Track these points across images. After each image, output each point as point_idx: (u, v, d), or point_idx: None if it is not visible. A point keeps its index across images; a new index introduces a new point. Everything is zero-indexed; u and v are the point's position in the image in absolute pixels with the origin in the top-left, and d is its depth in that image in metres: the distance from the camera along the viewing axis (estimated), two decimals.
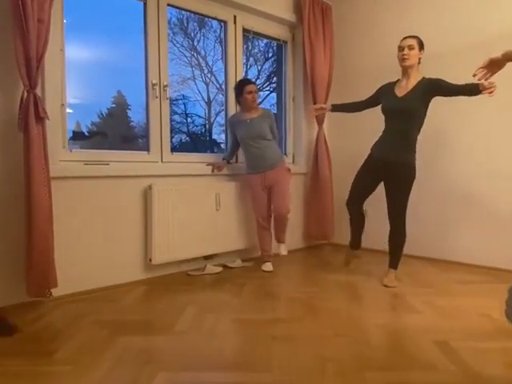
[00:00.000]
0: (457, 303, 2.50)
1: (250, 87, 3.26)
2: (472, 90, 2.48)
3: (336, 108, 3.24)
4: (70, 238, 2.67)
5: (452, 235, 3.51)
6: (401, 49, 2.76)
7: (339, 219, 4.06)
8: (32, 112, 2.32)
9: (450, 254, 3.51)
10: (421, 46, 2.76)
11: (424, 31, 3.53)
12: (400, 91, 2.79)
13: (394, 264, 2.94)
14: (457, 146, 3.47)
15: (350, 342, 1.95)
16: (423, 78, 2.75)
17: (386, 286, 2.86)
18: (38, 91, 2.41)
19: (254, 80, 3.78)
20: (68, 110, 2.80)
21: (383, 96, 2.90)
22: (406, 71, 2.79)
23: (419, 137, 2.82)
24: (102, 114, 3.45)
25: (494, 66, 1.87)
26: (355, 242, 3.22)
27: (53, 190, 2.47)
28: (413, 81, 2.76)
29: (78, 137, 3.15)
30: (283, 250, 3.49)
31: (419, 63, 2.79)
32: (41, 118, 2.37)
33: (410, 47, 2.71)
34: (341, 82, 4.19)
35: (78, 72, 2.95)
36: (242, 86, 3.29)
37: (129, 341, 1.98)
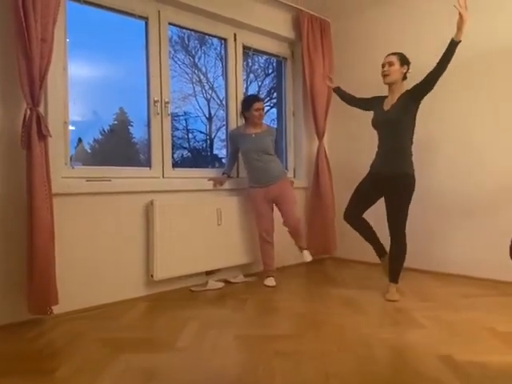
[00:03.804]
0: (460, 317, 2.47)
1: (258, 105, 3.32)
2: (448, 52, 2.56)
3: (337, 91, 3.37)
4: (72, 255, 2.67)
5: (452, 248, 3.49)
6: (382, 65, 2.87)
7: (341, 233, 4.05)
8: (35, 130, 2.34)
9: (450, 266, 3.49)
10: (403, 61, 2.83)
11: (421, 46, 3.59)
12: (386, 106, 2.90)
13: (394, 278, 2.92)
14: (445, 158, 3.51)
15: (353, 358, 1.92)
16: (406, 91, 2.84)
17: (388, 300, 2.84)
18: (41, 109, 2.44)
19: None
20: (70, 127, 2.83)
21: (375, 107, 2.99)
22: (390, 87, 2.90)
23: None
24: (104, 131, 3.48)
25: None
26: (378, 249, 3.08)
27: (55, 207, 2.48)
28: (397, 95, 2.85)
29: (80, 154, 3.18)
30: (307, 257, 3.44)
31: (405, 78, 2.87)
32: (43, 136, 2.39)
33: (390, 63, 2.82)
34: None
35: (81, 89, 3.00)
36: (251, 102, 3.34)
37: (130, 358, 1.96)
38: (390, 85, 2.88)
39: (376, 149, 2.99)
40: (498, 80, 3.22)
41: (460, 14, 2.48)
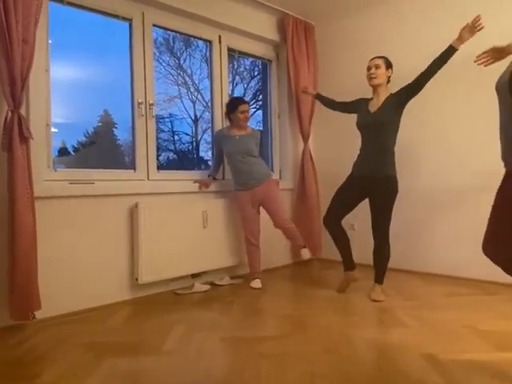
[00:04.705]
0: (443, 316, 2.51)
1: (244, 107, 3.32)
2: (442, 57, 2.62)
3: (319, 97, 3.44)
4: (55, 259, 2.63)
5: (436, 248, 3.55)
6: (368, 68, 2.91)
7: (327, 234, 4.06)
8: (16, 132, 2.30)
9: (434, 266, 3.54)
10: (388, 65, 2.89)
11: (404, 50, 3.65)
12: (372, 108, 2.92)
13: (379, 279, 2.95)
14: (427, 159, 3.57)
15: (338, 358, 1.94)
16: (390, 94, 2.89)
17: (373, 300, 2.86)
18: (23, 111, 2.41)
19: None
20: (53, 130, 2.80)
21: (359, 110, 3.02)
22: (375, 90, 2.93)
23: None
24: (88, 133, 3.44)
25: (496, 53, 1.87)
26: (347, 262, 3.08)
27: (37, 210, 2.44)
28: (382, 98, 2.89)
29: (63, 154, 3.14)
30: (305, 255, 3.44)
31: (389, 82, 2.93)
32: (25, 138, 2.36)
33: (377, 66, 2.86)
34: None
35: (64, 91, 2.96)
36: (236, 104, 3.33)
37: (115, 363, 1.94)
38: (376, 87, 2.91)
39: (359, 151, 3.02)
40: (476, 83, 3.27)
41: (471, 29, 2.52)
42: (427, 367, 1.82)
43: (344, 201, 3.00)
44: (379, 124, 2.84)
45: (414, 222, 3.67)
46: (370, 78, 2.90)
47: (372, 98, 2.97)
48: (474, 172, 3.32)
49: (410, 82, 2.77)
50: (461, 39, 2.57)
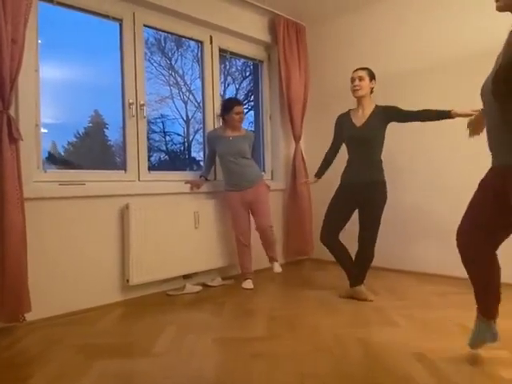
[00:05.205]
0: (434, 315, 2.54)
1: (239, 108, 3.32)
2: (437, 115, 2.66)
3: (319, 174, 3.22)
4: (45, 261, 2.61)
5: (427, 247, 3.58)
6: (352, 80, 2.91)
7: (318, 235, 4.08)
8: (5, 133, 2.29)
9: (425, 266, 3.58)
10: (371, 76, 2.91)
11: (394, 53, 3.68)
12: (358, 121, 2.92)
13: (360, 281, 2.93)
14: (416, 158, 3.59)
15: (329, 358, 1.95)
16: (376, 106, 2.91)
17: (364, 300, 2.87)
18: (12, 112, 2.39)
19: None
20: (43, 130, 2.78)
21: (343, 127, 3.00)
22: (359, 101, 2.93)
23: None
24: (78, 134, 3.42)
25: (475, 126, 1.94)
26: (352, 277, 2.95)
27: (27, 212, 2.42)
28: (367, 110, 2.90)
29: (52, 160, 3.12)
30: (277, 269, 3.42)
31: (372, 93, 2.94)
32: (14, 139, 2.34)
33: (360, 78, 2.88)
34: (317, 101, 4.28)
35: (54, 92, 2.94)
36: (232, 105, 3.33)
37: (106, 365, 1.93)
38: (360, 99, 2.91)
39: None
40: (459, 91, 3.29)
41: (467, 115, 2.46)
42: (418, 366, 1.84)
43: (337, 214, 2.96)
44: (367, 138, 2.86)
45: (406, 221, 3.70)
46: (354, 90, 2.90)
47: (352, 110, 2.99)
48: (466, 171, 3.35)
49: (402, 109, 2.81)
50: (458, 115, 2.54)
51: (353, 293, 2.94)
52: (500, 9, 1.43)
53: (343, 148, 3.07)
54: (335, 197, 3.01)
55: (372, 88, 2.92)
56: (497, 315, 1.87)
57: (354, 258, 2.96)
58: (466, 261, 1.85)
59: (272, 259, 3.46)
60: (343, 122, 3.02)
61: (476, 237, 1.79)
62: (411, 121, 2.83)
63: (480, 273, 1.84)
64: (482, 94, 1.61)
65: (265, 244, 3.43)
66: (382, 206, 2.88)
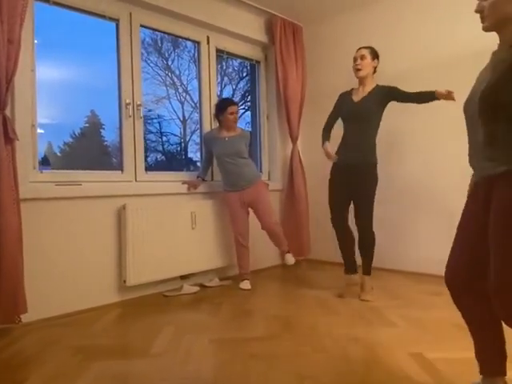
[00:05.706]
0: (431, 315, 2.54)
1: (233, 108, 3.32)
2: (428, 96, 2.69)
3: (325, 142, 3.05)
4: (41, 262, 2.60)
5: (424, 247, 3.58)
6: (354, 59, 2.92)
7: (315, 235, 4.10)
8: (1, 133, 2.28)
9: (422, 266, 3.57)
10: (374, 55, 2.91)
11: (391, 51, 3.68)
12: (356, 97, 2.94)
13: (368, 270, 2.95)
14: (416, 158, 3.60)
15: (327, 358, 1.95)
16: (377, 85, 2.92)
17: (363, 300, 2.88)
18: (8, 112, 2.37)
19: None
20: (39, 131, 2.76)
21: (343, 104, 3.02)
22: (361, 80, 2.94)
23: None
24: (74, 134, 3.41)
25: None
26: (349, 264, 3.00)
27: (23, 212, 2.41)
28: (368, 87, 2.91)
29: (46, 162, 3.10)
30: (289, 260, 3.44)
31: (375, 72, 2.95)
32: (10, 139, 2.33)
33: (362, 57, 2.88)
34: (314, 101, 4.28)
35: (51, 92, 2.93)
36: (225, 105, 3.33)
37: (103, 366, 1.92)
38: (361, 78, 2.92)
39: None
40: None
41: (446, 98, 2.57)
42: (415, 366, 1.84)
43: (340, 195, 2.96)
44: (363, 113, 2.86)
45: (402, 221, 3.70)
46: (355, 70, 2.90)
47: (354, 89, 2.99)
48: (461, 168, 3.36)
49: (402, 90, 2.82)
50: (442, 98, 2.62)
51: (347, 281, 3.00)
52: (486, 29, 1.43)
53: None
54: (331, 179, 3.03)
55: (375, 67, 2.92)
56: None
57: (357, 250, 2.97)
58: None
59: (283, 252, 3.48)
60: (344, 99, 3.03)
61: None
62: (408, 101, 2.83)
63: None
64: (466, 110, 1.58)
65: (274, 241, 3.45)
66: (373, 186, 2.88)
